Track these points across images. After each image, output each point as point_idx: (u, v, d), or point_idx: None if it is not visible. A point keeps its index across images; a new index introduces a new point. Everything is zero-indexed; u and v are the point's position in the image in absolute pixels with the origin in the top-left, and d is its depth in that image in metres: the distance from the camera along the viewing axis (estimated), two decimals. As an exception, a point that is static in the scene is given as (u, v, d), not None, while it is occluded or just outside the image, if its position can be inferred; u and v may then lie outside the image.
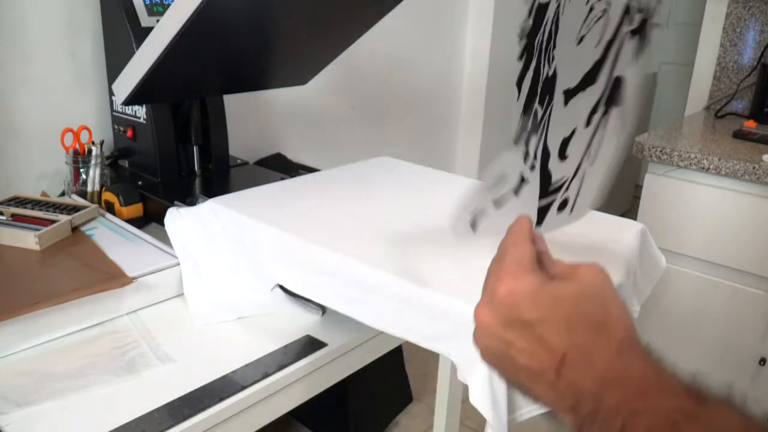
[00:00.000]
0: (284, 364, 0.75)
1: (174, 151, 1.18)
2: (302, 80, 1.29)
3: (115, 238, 0.95)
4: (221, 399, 0.68)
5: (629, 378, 0.38)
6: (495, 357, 0.43)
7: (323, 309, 0.83)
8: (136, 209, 1.07)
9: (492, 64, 2.19)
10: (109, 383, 0.70)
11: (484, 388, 0.59)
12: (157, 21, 0.93)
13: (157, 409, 0.65)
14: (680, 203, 1.65)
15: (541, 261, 0.46)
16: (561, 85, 0.58)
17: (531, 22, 0.56)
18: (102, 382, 0.70)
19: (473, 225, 0.64)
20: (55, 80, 1.22)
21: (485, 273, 0.52)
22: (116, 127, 1.24)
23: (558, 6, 0.58)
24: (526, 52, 0.56)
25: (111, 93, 1.19)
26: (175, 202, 1.00)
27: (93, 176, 1.13)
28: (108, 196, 1.08)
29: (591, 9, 0.59)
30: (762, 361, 1.60)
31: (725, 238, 1.59)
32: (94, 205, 1.04)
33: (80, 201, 1.08)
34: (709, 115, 2.05)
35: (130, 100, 1.00)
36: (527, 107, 0.57)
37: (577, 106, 0.59)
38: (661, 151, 1.62)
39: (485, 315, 0.43)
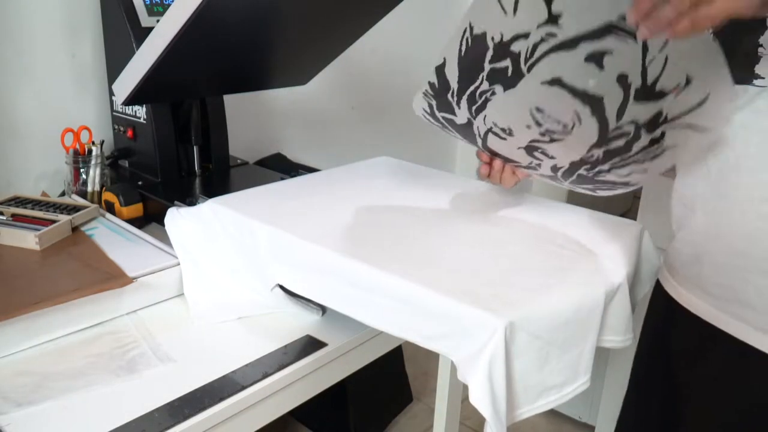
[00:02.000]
0: (284, 364, 0.75)
1: (174, 151, 1.18)
2: (302, 80, 1.29)
3: (115, 238, 0.95)
4: (221, 399, 0.68)
5: None
6: None
7: (323, 309, 0.83)
8: (136, 209, 1.08)
9: (492, 64, 2.19)
10: (109, 383, 0.70)
11: (484, 388, 0.59)
12: (157, 21, 0.94)
13: (157, 409, 0.65)
14: (680, 203, 1.64)
15: None
16: None
17: None
18: (102, 382, 0.70)
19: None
20: (55, 80, 1.22)
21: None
22: (116, 127, 1.24)
23: None
24: None
25: (111, 93, 1.19)
26: (175, 202, 1.00)
27: (93, 176, 1.13)
28: (108, 196, 1.09)
29: None
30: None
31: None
32: (94, 205, 1.04)
33: (80, 201, 1.08)
34: (709, 115, 2.05)
35: (130, 100, 1.00)
36: None
37: None
38: (661, 151, 1.61)
39: None
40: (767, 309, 0.66)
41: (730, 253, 0.67)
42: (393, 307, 0.67)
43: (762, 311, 0.66)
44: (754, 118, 0.64)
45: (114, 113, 1.24)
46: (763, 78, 0.65)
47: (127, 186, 1.11)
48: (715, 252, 0.69)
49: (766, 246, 0.64)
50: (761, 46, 0.65)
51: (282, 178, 1.14)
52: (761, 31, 0.64)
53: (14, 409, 0.65)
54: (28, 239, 0.89)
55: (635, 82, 0.65)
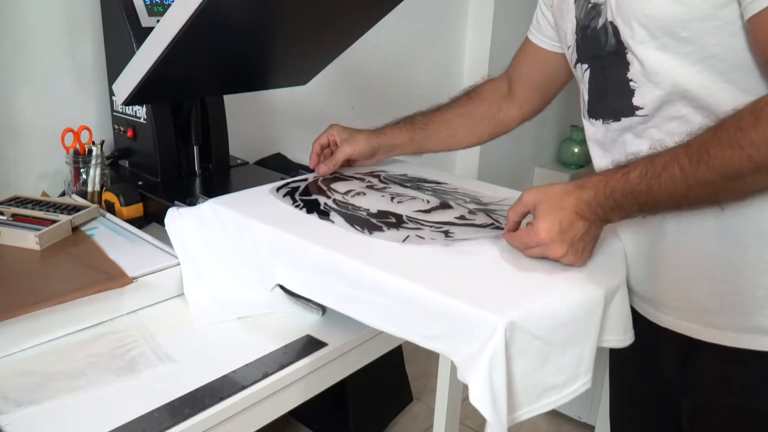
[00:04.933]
0: (284, 363, 0.75)
1: (174, 151, 1.18)
2: (302, 80, 1.29)
3: (115, 238, 0.95)
4: (221, 399, 0.68)
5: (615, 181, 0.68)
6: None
7: (323, 309, 0.83)
8: (136, 209, 1.07)
9: (492, 64, 2.19)
10: (109, 383, 0.70)
11: (484, 388, 0.59)
12: (157, 21, 0.93)
13: (157, 409, 0.65)
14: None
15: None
16: None
17: None
18: (102, 382, 0.70)
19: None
20: (56, 80, 1.22)
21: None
22: (116, 127, 1.24)
23: None
24: None
25: (111, 93, 1.19)
26: (176, 202, 1.00)
27: (93, 176, 1.13)
28: (108, 196, 1.08)
29: None
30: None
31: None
32: (95, 205, 1.04)
33: (80, 201, 1.08)
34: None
35: (131, 100, 1.00)
36: None
37: None
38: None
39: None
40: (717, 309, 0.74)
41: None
42: (393, 307, 0.67)
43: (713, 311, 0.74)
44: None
45: (114, 113, 1.24)
46: (643, 108, 0.74)
47: (127, 186, 1.11)
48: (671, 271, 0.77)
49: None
50: (631, 80, 0.74)
51: (282, 178, 1.14)
52: (626, 68, 0.74)
53: (14, 408, 0.65)
54: (28, 239, 0.89)
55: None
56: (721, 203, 0.67)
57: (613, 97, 0.76)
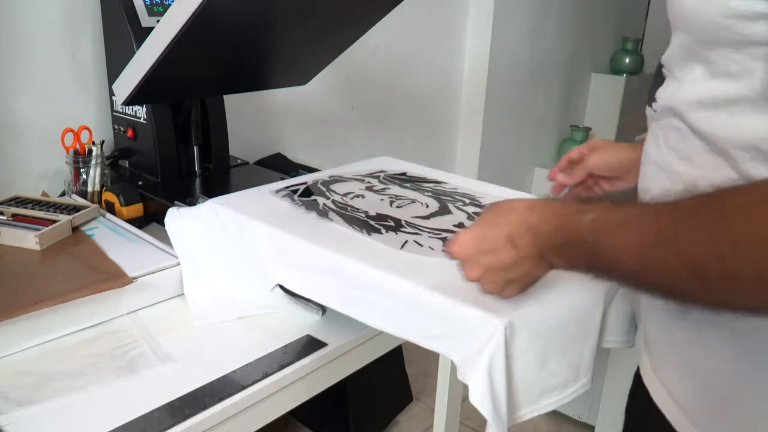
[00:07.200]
0: (284, 363, 0.75)
1: (174, 151, 1.18)
2: (302, 80, 1.29)
3: (115, 238, 0.95)
4: (221, 399, 0.68)
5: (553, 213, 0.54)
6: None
7: (323, 309, 0.83)
8: (136, 209, 1.08)
9: (492, 64, 2.19)
10: (109, 383, 0.70)
11: (484, 388, 0.59)
12: (157, 21, 0.94)
13: (157, 409, 0.66)
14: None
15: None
16: None
17: None
18: (102, 382, 0.70)
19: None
20: (56, 80, 1.22)
21: None
22: (116, 127, 1.24)
23: None
24: None
25: (111, 93, 1.19)
26: (176, 202, 1.00)
27: (93, 176, 1.13)
28: (108, 196, 1.09)
29: None
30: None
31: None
32: (95, 205, 1.04)
33: (81, 201, 1.08)
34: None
35: (131, 100, 1.00)
36: None
37: None
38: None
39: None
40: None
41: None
42: (393, 307, 0.67)
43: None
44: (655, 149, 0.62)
45: (114, 113, 1.24)
46: (656, 101, 0.60)
47: (127, 186, 1.11)
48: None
49: None
50: (663, 66, 0.61)
51: (282, 178, 1.14)
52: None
53: (15, 408, 0.65)
54: (28, 239, 0.89)
55: None
56: (686, 304, 0.51)
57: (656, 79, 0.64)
